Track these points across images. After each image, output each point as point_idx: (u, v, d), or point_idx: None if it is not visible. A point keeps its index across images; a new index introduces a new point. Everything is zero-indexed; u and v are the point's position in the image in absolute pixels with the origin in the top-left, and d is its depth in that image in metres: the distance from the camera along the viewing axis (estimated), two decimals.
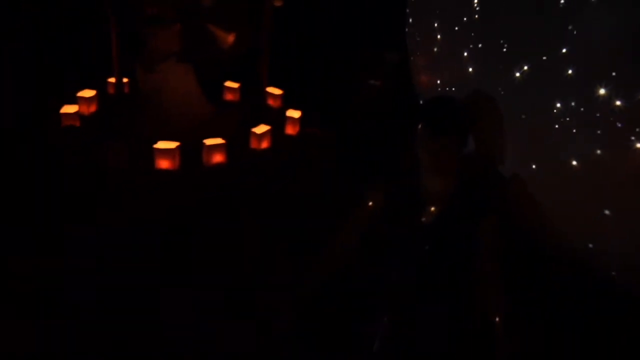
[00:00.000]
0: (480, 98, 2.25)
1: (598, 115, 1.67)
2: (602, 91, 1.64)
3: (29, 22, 5.55)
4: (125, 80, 4.52)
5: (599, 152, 1.77)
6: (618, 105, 1.62)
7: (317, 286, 2.39)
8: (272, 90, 4.91)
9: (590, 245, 2.04)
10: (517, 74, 1.89)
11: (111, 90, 4.80)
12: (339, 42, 5.40)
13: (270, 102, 4.91)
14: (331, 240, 2.40)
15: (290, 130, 4.52)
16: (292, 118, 4.51)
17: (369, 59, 5.17)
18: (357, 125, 4.70)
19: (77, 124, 4.29)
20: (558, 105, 1.78)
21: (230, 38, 4.49)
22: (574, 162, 1.80)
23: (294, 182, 3.89)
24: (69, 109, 4.34)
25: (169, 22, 4.06)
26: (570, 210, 1.99)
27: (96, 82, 4.75)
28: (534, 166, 1.96)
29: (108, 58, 4.33)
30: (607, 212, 1.91)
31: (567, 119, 1.76)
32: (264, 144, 4.24)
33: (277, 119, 4.51)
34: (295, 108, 4.59)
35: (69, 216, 3.30)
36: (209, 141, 3.93)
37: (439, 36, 2.36)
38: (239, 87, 4.96)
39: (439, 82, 2.40)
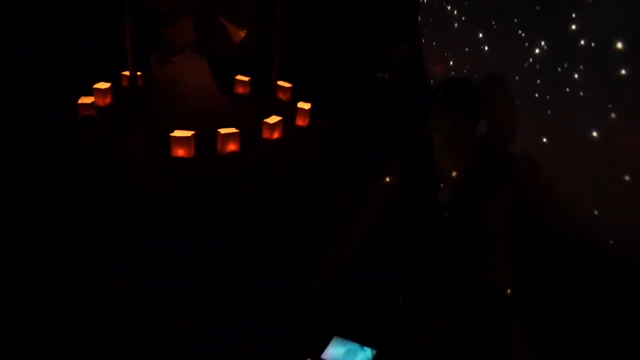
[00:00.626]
0: (492, 78, 2.36)
1: (611, 88, 1.77)
2: (615, 63, 1.74)
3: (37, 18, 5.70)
4: (139, 73, 4.62)
5: (610, 125, 1.86)
6: (631, 77, 1.71)
7: (335, 268, 2.50)
8: (282, 83, 5.03)
9: (596, 212, 2.13)
10: (536, 50, 1.97)
11: (125, 83, 4.92)
12: (346, 36, 5.52)
13: (281, 95, 5.03)
14: (351, 218, 2.52)
15: (300, 121, 4.63)
16: (302, 110, 4.63)
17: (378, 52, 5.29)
18: (365, 118, 4.80)
19: (94, 114, 4.40)
20: (570, 79, 1.88)
21: (242, 33, 4.61)
22: (590, 134, 1.90)
23: (305, 170, 3.99)
24: (85, 100, 4.45)
25: (184, 16, 4.17)
26: (578, 183, 2.09)
27: (110, 76, 4.87)
28: (544, 140, 2.06)
29: (121, 52, 4.44)
30: (611, 185, 2.02)
31: (581, 93, 1.86)
32: (276, 134, 4.35)
33: (287, 111, 4.62)
34: (305, 101, 4.71)
35: (88, 204, 3.38)
36: (223, 130, 4.04)
37: (454, 21, 2.47)
38: (250, 81, 5.08)
39: (452, 64, 2.51)
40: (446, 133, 2.27)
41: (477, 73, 2.40)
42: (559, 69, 1.94)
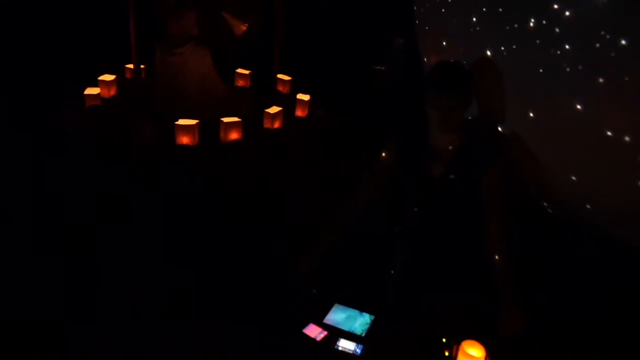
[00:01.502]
0: (482, 61, 2.52)
1: (598, 63, 1.92)
2: (601, 39, 1.88)
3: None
4: (142, 66, 4.76)
5: (597, 100, 2.01)
6: (618, 53, 1.85)
7: (335, 240, 2.66)
8: (281, 76, 5.19)
9: (580, 190, 2.30)
10: (525, 29, 2.12)
11: (129, 76, 5.06)
12: (345, 30, 5.68)
13: (280, 87, 5.19)
14: (353, 190, 2.68)
15: (300, 112, 4.79)
16: (302, 101, 4.78)
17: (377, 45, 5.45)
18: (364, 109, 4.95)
19: (100, 104, 4.54)
20: (558, 56, 2.03)
21: (243, 27, 4.76)
22: (575, 107, 2.05)
23: (305, 158, 4.14)
24: (91, 90, 4.59)
25: (188, 8, 4.32)
26: (564, 156, 2.25)
27: (114, 68, 5.01)
28: (531, 114, 2.22)
29: (124, 45, 4.58)
30: (595, 157, 2.17)
31: (568, 69, 2.01)
32: (277, 124, 4.50)
33: (287, 102, 4.78)
34: (304, 93, 4.87)
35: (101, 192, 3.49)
36: (226, 119, 4.19)
37: (446, 6, 2.63)
38: (250, 74, 5.23)
39: (445, 46, 2.67)
40: (440, 113, 2.43)
41: (470, 56, 2.56)
42: (547, 46, 2.10)
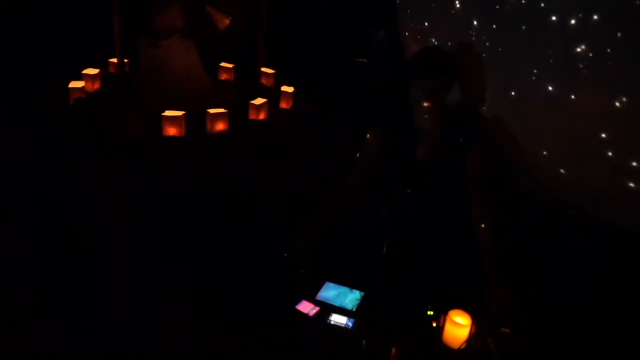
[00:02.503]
0: (463, 45, 2.63)
1: (577, 47, 2.04)
2: (578, 24, 1.99)
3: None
4: (125, 60, 4.78)
5: (573, 83, 2.14)
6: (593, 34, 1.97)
7: (326, 223, 2.75)
8: (265, 70, 5.25)
9: (563, 171, 2.41)
10: (505, 11, 2.24)
11: (112, 70, 5.07)
12: (327, 23, 5.77)
13: (264, 81, 5.25)
14: (344, 176, 2.77)
15: (284, 104, 4.87)
16: (286, 93, 4.86)
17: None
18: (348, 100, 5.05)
19: (85, 97, 4.54)
20: (537, 37, 2.15)
21: (227, 21, 4.83)
22: (549, 88, 2.17)
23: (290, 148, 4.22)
24: (76, 84, 4.59)
25: (172, 2, 4.36)
26: (543, 135, 2.37)
27: (97, 62, 5.01)
28: (512, 93, 2.34)
29: (107, 39, 4.59)
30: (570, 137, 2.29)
31: (550, 52, 2.13)
32: (262, 115, 4.57)
33: (271, 95, 4.85)
34: (288, 85, 4.94)
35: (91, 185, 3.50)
36: (212, 110, 4.24)
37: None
38: (234, 67, 5.28)
39: (427, 29, 2.78)
40: (424, 96, 2.53)
41: (451, 40, 2.67)
42: (524, 28, 2.21)
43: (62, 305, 2.55)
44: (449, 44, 2.70)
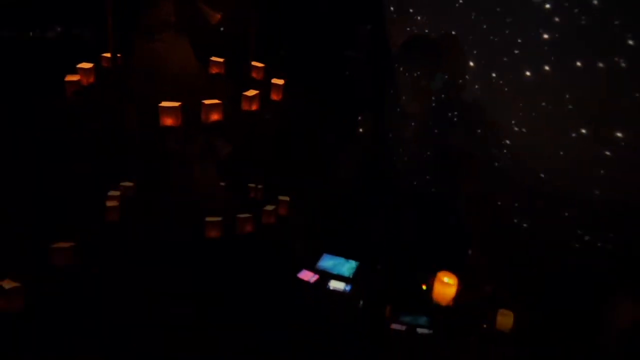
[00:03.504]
0: (445, 37, 2.89)
1: (546, 34, 2.30)
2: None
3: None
4: (118, 55, 4.90)
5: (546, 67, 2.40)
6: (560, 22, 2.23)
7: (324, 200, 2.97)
8: (255, 63, 5.43)
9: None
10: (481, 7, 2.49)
11: (106, 64, 5.19)
12: (316, 18, 5.97)
13: (254, 74, 5.43)
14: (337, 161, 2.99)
15: (275, 96, 5.06)
16: (276, 85, 5.05)
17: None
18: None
19: (82, 90, 4.67)
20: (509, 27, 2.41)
21: (218, 16, 5.01)
22: (527, 73, 2.44)
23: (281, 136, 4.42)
24: (72, 77, 4.71)
25: None
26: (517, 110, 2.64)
27: (91, 57, 5.12)
28: (493, 75, 2.61)
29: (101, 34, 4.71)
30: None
31: (519, 40, 2.39)
32: (254, 106, 4.75)
33: (262, 87, 5.03)
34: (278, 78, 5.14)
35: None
36: (207, 101, 4.41)
37: None
38: (224, 61, 5.45)
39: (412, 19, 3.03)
40: (411, 80, 2.77)
41: (435, 34, 2.92)
42: (501, 17, 2.47)
43: (62, 305, 2.68)
44: (433, 35, 2.95)
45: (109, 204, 3.71)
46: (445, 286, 2.37)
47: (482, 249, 2.66)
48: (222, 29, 4.96)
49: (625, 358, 2.38)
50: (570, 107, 2.33)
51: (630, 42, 2.26)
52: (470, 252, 2.66)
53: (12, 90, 4.75)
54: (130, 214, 3.54)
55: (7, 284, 2.56)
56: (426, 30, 3.09)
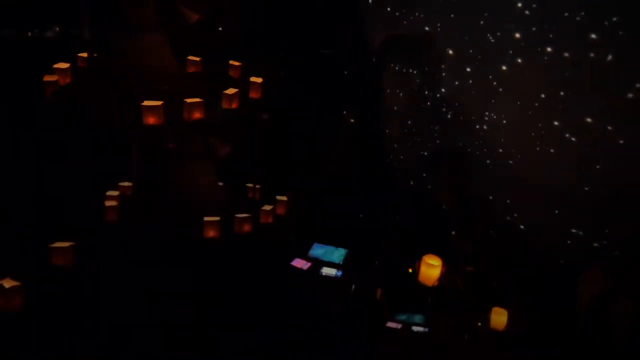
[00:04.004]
0: (424, 34, 3.08)
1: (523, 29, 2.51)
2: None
3: None
4: (94, 54, 4.92)
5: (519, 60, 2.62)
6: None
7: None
8: (232, 62, 5.53)
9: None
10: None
11: (82, 64, 5.19)
12: (294, 17, 6.08)
13: (232, 73, 5.53)
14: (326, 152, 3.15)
15: (254, 94, 5.17)
16: (255, 83, 5.17)
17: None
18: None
19: (60, 90, 4.68)
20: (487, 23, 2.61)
21: (195, 16, 5.10)
22: (503, 68, 2.66)
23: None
24: (51, 77, 4.71)
25: None
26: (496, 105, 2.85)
27: (67, 57, 5.11)
28: (468, 69, 2.81)
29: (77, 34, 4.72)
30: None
31: (498, 34, 2.60)
32: (234, 104, 4.87)
33: (241, 85, 5.14)
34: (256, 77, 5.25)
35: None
36: (189, 100, 4.50)
37: None
38: (201, 60, 5.53)
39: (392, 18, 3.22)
40: (393, 75, 2.95)
41: (415, 33, 3.11)
42: (481, 13, 2.68)
43: (61, 304, 2.74)
44: (412, 31, 3.15)
45: (108, 204, 3.76)
46: (431, 267, 2.56)
47: (465, 234, 2.86)
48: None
49: (596, 324, 2.61)
50: (543, 96, 2.55)
51: (593, 36, 2.51)
52: (453, 235, 2.86)
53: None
54: (129, 213, 3.59)
55: (7, 283, 2.60)
56: (404, 28, 3.27)
